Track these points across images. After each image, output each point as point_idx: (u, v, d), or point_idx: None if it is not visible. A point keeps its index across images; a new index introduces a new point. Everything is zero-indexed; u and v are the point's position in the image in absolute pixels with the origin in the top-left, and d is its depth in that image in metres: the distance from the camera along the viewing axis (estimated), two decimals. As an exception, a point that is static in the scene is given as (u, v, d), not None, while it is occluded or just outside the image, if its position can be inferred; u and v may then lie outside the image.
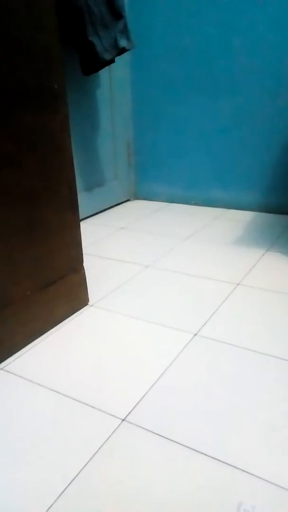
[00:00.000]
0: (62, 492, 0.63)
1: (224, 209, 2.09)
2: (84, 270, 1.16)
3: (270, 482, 0.64)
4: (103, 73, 1.90)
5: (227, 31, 1.80)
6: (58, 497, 0.62)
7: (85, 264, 1.17)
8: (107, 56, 1.65)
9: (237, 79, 1.86)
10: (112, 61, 1.70)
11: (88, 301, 1.19)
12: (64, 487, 0.64)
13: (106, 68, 1.88)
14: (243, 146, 1.95)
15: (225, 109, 1.93)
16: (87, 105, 1.87)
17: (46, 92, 0.92)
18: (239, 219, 1.92)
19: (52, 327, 1.07)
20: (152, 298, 1.22)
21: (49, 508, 0.61)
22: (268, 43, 1.75)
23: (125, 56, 1.96)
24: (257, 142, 1.92)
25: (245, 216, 1.96)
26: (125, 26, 1.68)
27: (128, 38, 1.70)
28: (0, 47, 0.80)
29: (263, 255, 1.49)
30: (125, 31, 1.68)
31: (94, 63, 1.64)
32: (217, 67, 1.87)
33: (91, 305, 1.19)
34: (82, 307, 1.17)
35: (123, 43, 1.68)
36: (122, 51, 1.69)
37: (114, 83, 2.00)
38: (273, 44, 1.74)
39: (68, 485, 0.64)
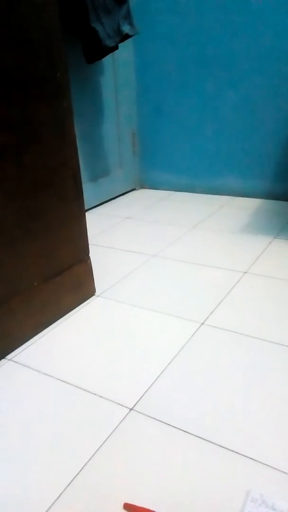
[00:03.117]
0: (72, 480, 0.64)
1: (230, 196, 2.07)
2: (90, 260, 1.16)
3: (278, 470, 0.64)
4: (107, 60, 1.87)
5: (233, 14, 1.77)
6: (68, 484, 0.63)
7: (91, 255, 1.17)
8: (110, 43, 1.62)
9: (243, 65, 1.82)
10: (115, 47, 1.68)
11: (95, 291, 1.20)
12: (74, 476, 0.65)
13: (110, 55, 1.85)
14: (249, 133, 1.93)
15: (231, 97, 1.90)
16: (90, 93, 1.85)
17: (49, 81, 0.91)
18: (245, 207, 1.91)
19: (59, 318, 1.08)
20: (158, 287, 1.22)
21: (60, 494, 0.62)
22: (277, 27, 1.71)
23: (129, 42, 1.93)
24: (264, 129, 1.89)
25: (252, 204, 1.95)
26: (128, 11, 1.65)
27: (131, 24, 1.67)
28: (0, 36, 0.79)
29: (270, 242, 1.48)
30: (128, 17, 1.65)
31: (98, 51, 1.61)
32: (224, 52, 1.84)
33: (98, 295, 1.19)
34: (89, 297, 1.17)
35: (126, 29, 1.65)
36: (125, 37, 1.66)
37: (118, 71, 1.97)
38: (282, 28, 1.70)
39: (77, 473, 0.65)
